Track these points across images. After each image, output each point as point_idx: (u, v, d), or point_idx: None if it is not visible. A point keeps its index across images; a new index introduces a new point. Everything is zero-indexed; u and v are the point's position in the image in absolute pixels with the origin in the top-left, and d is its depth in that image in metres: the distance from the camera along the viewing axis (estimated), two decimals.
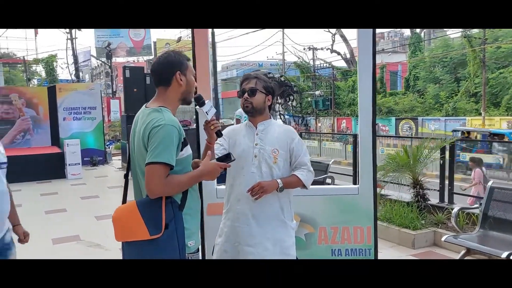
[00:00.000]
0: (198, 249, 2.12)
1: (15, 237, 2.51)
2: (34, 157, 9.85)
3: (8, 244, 2.39)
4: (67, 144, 9.89)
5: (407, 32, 35.02)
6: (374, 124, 3.11)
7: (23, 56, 31.89)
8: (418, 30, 29.48)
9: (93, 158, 11.67)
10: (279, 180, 2.39)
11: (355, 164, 6.62)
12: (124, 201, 2.12)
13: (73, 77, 24.02)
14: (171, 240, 1.90)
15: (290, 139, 2.48)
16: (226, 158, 2.13)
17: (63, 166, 9.99)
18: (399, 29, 40.04)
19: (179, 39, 28.40)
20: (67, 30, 23.00)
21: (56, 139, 11.44)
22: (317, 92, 28.89)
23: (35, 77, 41.05)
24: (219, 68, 51.28)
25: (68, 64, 24.44)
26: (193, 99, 2.27)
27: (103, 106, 15.55)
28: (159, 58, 2.09)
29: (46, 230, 5.59)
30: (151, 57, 55.34)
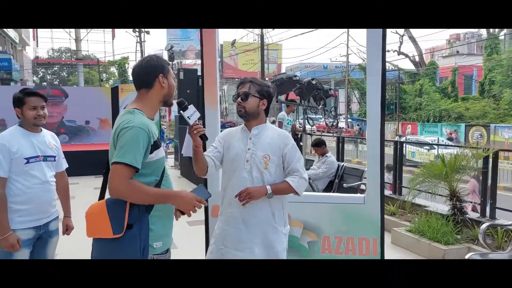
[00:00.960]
0: (167, 250, 2.13)
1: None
2: (94, 152, 10.49)
3: (51, 232, 2.66)
4: None
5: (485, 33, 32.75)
6: (382, 129, 2.93)
7: (97, 58, 34.18)
8: (496, 31, 27.42)
9: None
10: (268, 187, 2.36)
11: (395, 172, 6.31)
12: (102, 198, 2.17)
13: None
14: (133, 240, 1.92)
15: (283, 144, 2.43)
16: (205, 192, 2.08)
17: None
18: (476, 30, 37.54)
19: (233, 42, 28.80)
20: (137, 33, 24.26)
21: None
22: None
23: (111, 78, 43.87)
24: (283, 70, 51.46)
25: None
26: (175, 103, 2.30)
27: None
28: (141, 61, 2.14)
29: None
30: (218, 59, 56.88)
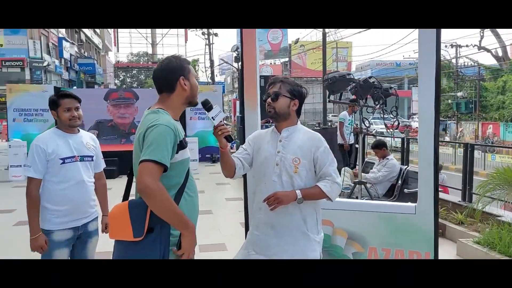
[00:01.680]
0: None
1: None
2: None
3: (90, 232, 2.72)
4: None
5: None
6: (437, 132, 2.63)
7: (157, 60, 35.61)
8: None
9: (213, 155, 12.47)
10: (298, 191, 2.23)
11: (465, 177, 5.79)
12: (126, 199, 2.15)
13: (209, 80, 25.92)
14: (153, 244, 1.88)
15: (314, 147, 2.28)
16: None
17: None
18: None
19: (297, 40, 28.50)
20: (206, 36, 24.94)
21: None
22: (459, 94, 26.08)
23: None
24: (353, 68, 50.11)
25: (205, 68, 26.49)
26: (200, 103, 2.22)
27: (231, 107, 16.44)
28: (160, 64, 2.10)
29: None
30: (286, 59, 56.85)
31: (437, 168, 2.66)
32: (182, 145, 1.94)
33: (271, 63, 61.72)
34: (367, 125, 4.99)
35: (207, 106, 2.17)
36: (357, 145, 7.65)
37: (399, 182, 5.61)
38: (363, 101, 4.72)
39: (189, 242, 1.89)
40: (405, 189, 5.25)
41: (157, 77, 2.05)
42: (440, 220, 5.36)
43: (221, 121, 2.18)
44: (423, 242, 2.71)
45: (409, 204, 2.85)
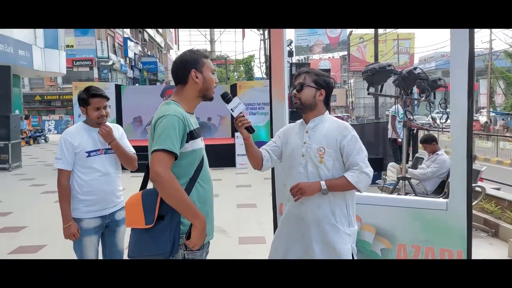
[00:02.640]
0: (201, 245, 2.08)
1: None
2: (214, 146, 11.18)
3: (118, 221, 2.87)
4: (237, 136, 10.87)
5: None
6: (470, 124, 2.48)
7: (225, 58, 36.16)
8: None
9: None
10: (322, 182, 2.21)
11: None
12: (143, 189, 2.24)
13: (264, 75, 26.00)
14: (164, 231, 1.94)
15: (340, 136, 2.25)
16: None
17: (234, 156, 11.03)
18: None
19: (349, 34, 27.69)
20: (261, 31, 25.01)
21: (235, 131, 12.69)
22: None
23: (242, 76, 46.25)
24: (416, 61, 48.01)
25: (260, 63, 26.60)
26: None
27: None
28: (177, 58, 2.16)
29: None
30: (345, 53, 55.59)
31: (470, 162, 2.50)
32: (192, 135, 1.99)
33: (329, 57, 60.76)
34: (412, 119, 4.76)
35: (226, 98, 2.21)
36: (399, 139, 7.36)
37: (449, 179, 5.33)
38: (407, 93, 4.52)
39: (199, 233, 1.93)
40: None
41: (173, 70, 2.12)
42: (493, 219, 5.03)
43: (240, 113, 2.21)
44: (455, 240, 2.56)
45: (441, 200, 2.71)
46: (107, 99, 2.81)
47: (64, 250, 4.52)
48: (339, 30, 56.69)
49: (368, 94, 4.39)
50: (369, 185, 2.28)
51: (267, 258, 2.50)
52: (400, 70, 4.63)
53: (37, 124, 26.41)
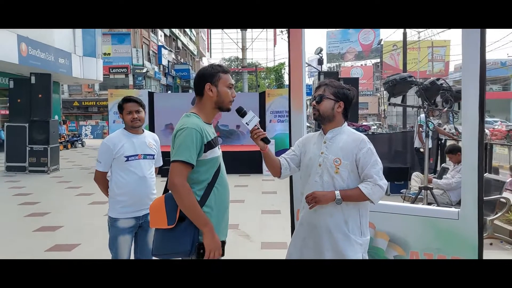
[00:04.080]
0: None
1: None
2: (241, 153, 11.39)
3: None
4: None
5: None
6: (481, 135, 2.53)
7: (255, 66, 36.44)
8: None
9: None
10: (337, 192, 2.30)
11: None
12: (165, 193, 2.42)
13: None
14: (184, 231, 2.11)
15: (357, 148, 2.34)
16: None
17: (261, 162, 11.18)
18: None
19: (379, 42, 27.34)
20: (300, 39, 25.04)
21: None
22: None
23: (272, 84, 46.52)
24: (451, 69, 46.81)
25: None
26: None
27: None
28: (198, 71, 2.34)
29: None
30: (378, 60, 54.89)
31: (482, 173, 2.56)
32: (210, 145, 2.16)
33: (361, 65, 60.17)
34: (433, 129, 4.79)
35: (241, 112, 2.35)
36: (421, 149, 7.31)
37: None
38: (430, 104, 4.56)
39: (209, 240, 2.08)
40: None
41: (194, 82, 2.30)
42: None
43: (255, 126, 2.35)
44: (466, 249, 2.61)
45: (452, 209, 2.77)
46: (141, 104, 3.04)
47: (97, 249, 4.81)
48: (372, 37, 56.12)
49: (389, 104, 4.46)
50: (382, 197, 2.35)
51: None
52: (422, 80, 4.67)
53: (75, 129, 27.48)
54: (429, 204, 4.89)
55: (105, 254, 2.94)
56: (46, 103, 11.33)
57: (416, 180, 5.87)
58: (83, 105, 34.96)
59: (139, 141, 3.04)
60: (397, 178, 7.68)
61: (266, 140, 2.38)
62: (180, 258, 2.16)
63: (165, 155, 3.15)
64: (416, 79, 4.30)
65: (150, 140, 3.12)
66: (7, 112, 12.41)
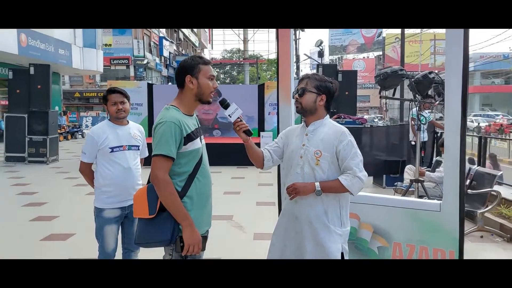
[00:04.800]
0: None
1: None
2: (239, 145, 11.36)
3: None
4: (262, 135, 11.06)
5: None
6: (463, 128, 2.57)
7: (257, 57, 36.37)
8: None
9: None
10: (317, 184, 2.34)
11: None
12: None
13: (295, 75, 25.99)
14: (164, 221, 2.15)
15: (337, 141, 2.37)
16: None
17: None
18: None
19: (379, 34, 27.21)
20: (292, 31, 25.04)
21: (261, 131, 12.88)
22: None
23: (273, 76, 46.41)
24: None
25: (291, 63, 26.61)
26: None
27: None
28: (179, 63, 2.37)
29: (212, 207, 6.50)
30: (380, 53, 54.69)
31: (463, 165, 2.59)
32: (190, 138, 2.19)
33: (363, 57, 59.91)
34: (424, 122, 4.81)
35: (225, 104, 2.38)
36: (413, 142, 7.34)
37: (466, 182, 5.33)
38: (421, 97, 4.58)
39: (188, 234, 2.12)
40: (468, 191, 4.98)
41: (175, 75, 2.33)
42: (510, 224, 5.01)
43: (238, 118, 2.39)
44: (448, 241, 2.66)
45: (434, 201, 2.81)
46: (125, 95, 3.06)
47: (91, 239, 4.86)
48: (374, 29, 55.85)
49: (380, 97, 4.48)
50: (361, 189, 2.38)
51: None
52: (415, 73, 4.68)
53: (75, 120, 27.57)
54: (420, 197, 4.93)
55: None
56: (45, 94, 11.37)
57: (408, 173, 5.91)
58: (84, 96, 35.01)
59: (124, 132, 3.06)
60: (392, 171, 7.72)
61: (248, 132, 2.42)
62: (160, 248, 2.21)
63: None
64: (408, 72, 4.31)
65: (135, 131, 3.14)
66: (7, 102, 12.42)
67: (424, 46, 43.57)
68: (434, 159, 7.54)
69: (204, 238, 2.28)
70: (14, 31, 15.13)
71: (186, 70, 2.23)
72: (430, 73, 4.63)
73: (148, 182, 2.32)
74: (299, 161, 2.43)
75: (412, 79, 4.33)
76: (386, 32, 47.76)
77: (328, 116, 2.52)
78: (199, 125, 2.39)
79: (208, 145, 2.48)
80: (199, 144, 2.29)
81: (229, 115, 2.37)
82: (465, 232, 4.93)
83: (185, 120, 2.20)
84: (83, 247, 4.59)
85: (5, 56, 15.76)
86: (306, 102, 2.44)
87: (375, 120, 36.40)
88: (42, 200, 7.01)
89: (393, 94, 4.63)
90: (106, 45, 32.22)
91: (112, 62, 33.85)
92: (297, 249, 2.42)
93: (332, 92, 2.48)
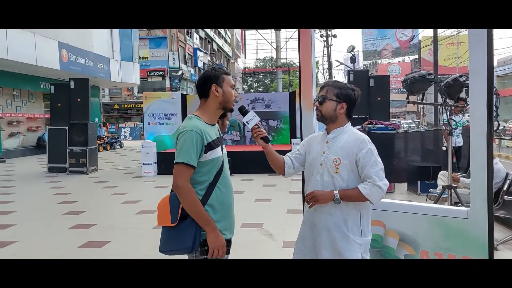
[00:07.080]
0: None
1: None
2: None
3: None
4: (293, 143, 11.05)
5: None
6: (490, 132, 2.49)
7: (288, 65, 36.33)
8: None
9: None
10: (336, 192, 2.33)
11: None
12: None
13: None
14: (186, 229, 2.20)
15: (357, 148, 2.36)
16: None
17: None
18: None
19: (412, 38, 26.55)
20: (324, 38, 25.02)
21: (293, 138, 12.88)
22: None
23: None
24: (494, 63, 44.80)
25: (323, 69, 26.53)
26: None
27: None
28: (200, 75, 2.44)
29: (243, 215, 6.56)
30: (416, 57, 53.39)
31: (491, 170, 2.52)
32: (210, 146, 2.24)
33: (399, 61, 58.71)
34: (456, 127, 4.67)
35: (243, 111, 2.44)
36: (444, 147, 7.10)
37: (504, 188, 5.12)
38: (455, 100, 4.47)
39: (212, 238, 2.17)
40: (505, 197, 4.78)
41: (196, 85, 2.41)
42: None
43: (256, 125, 2.43)
44: (476, 248, 2.57)
45: (462, 208, 2.73)
46: None
47: (126, 246, 5.03)
48: (409, 33, 54.64)
49: (408, 102, 4.40)
50: (382, 198, 2.34)
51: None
52: (445, 77, 4.58)
53: (114, 131, 28.47)
54: (455, 204, 4.78)
55: (132, 251, 3.07)
56: (85, 106, 11.86)
57: (442, 179, 5.74)
58: (123, 108, 36.14)
59: None
60: (427, 177, 7.51)
61: (266, 139, 2.46)
62: (185, 255, 2.26)
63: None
64: (439, 76, 4.22)
65: None
66: (50, 115, 13.05)
67: (462, 49, 42.21)
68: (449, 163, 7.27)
69: (228, 242, 2.31)
70: (56, 47, 15.90)
71: (211, 79, 2.31)
72: (460, 76, 4.51)
73: (172, 191, 2.40)
74: (319, 168, 2.42)
75: (442, 83, 4.23)
76: (421, 35, 46.62)
77: (349, 123, 2.50)
78: (221, 135, 2.44)
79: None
80: (220, 153, 2.33)
81: (246, 122, 2.42)
82: (502, 240, 4.78)
83: (206, 129, 2.26)
84: (118, 254, 4.75)
85: (48, 72, 16.57)
86: (326, 110, 2.44)
87: (411, 125, 35.44)
88: (81, 209, 7.29)
89: (422, 99, 4.53)
90: (143, 58, 33.18)
91: (148, 74, 34.83)
92: (315, 257, 2.42)
93: (353, 99, 2.46)
